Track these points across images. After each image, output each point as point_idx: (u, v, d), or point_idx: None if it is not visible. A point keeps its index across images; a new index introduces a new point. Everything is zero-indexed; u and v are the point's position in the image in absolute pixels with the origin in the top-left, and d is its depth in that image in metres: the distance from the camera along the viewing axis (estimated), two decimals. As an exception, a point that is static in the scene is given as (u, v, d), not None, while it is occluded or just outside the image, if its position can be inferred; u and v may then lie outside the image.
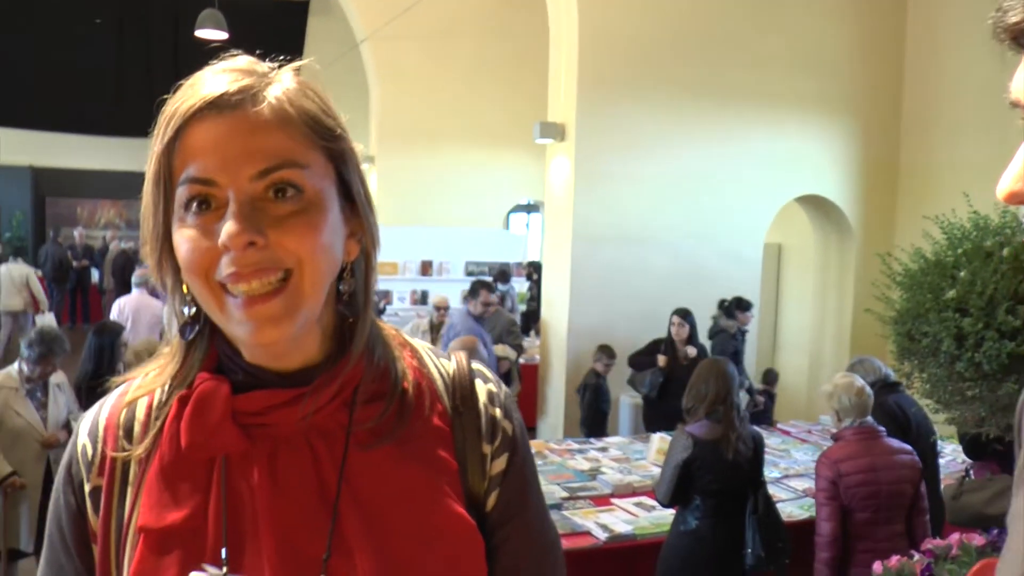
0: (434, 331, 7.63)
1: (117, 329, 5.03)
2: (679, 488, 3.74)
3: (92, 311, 14.09)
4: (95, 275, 14.82)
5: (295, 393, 0.87)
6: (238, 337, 0.84)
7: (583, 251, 7.16)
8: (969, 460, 4.27)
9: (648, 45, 7.30)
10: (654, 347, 6.38)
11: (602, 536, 3.97)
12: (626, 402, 7.26)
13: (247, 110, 0.80)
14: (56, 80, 14.38)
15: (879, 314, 3.44)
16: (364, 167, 0.93)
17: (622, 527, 4.08)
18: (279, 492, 0.86)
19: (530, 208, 15.04)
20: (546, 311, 7.62)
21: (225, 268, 0.80)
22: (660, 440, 5.16)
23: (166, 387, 0.91)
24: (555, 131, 7.19)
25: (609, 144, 7.20)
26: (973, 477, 4.05)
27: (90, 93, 14.98)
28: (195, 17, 8.72)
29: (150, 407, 0.92)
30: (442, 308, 7.45)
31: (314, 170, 0.83)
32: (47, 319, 10.67)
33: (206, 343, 0.90)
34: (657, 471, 4.81)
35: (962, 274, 2.97)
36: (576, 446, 5.61)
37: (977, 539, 3.02)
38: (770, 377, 7.68)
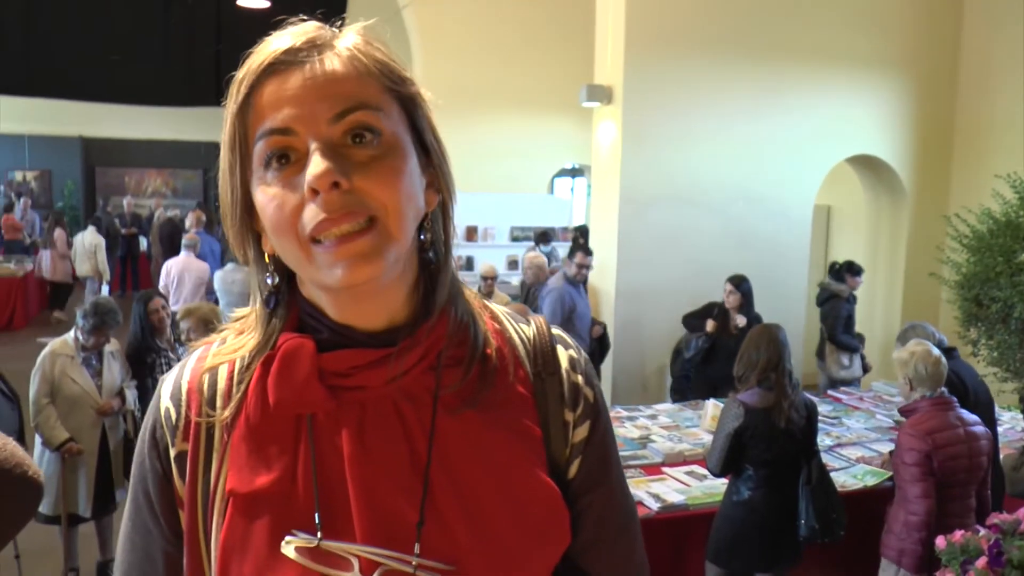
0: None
1: (148, 296, 5.06)
2: (731, 458, 3.69)
3: (141, 279, 14.31)
4: (143, 243, 15.03)
5: (382, 353, 0.85)
6: (329, 284, 0.82)
7: (631, 214, 7.08)
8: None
9: (697, 3, 7.14)
10: (708, 310, 6.26)
11: (654, 506, 3.94)
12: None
13: (317, 60, 0.80)
14: (103, 51, 14.52)
15: (943, 279, 3.33)
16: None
17: (674, 497, 4.04)
18: (368, 456, 0.85)
19: (575, 172, 14.90)
20: (593, 275, 7.55)
21: (312, 218, 0.78)
22: (714, 407, 5.09)
23: (248, 353, 0.90)
24: (602, 94, 7.08)
25: (657, 106, 7.08)
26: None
27: (135, 63, 15.12)
28: (237, -15, 8.70)
29: (232, 372, 0.90)
30: (490, 278, 7.20)
31: (389, 114, 0.82)
32: (102, 291, 11.10)
33: (286, 308, 0.90)
34: (708, 439, 4.76)
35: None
36: (625, 413, 5.56)
37: (1046, 513, 2.93)
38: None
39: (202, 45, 14.50)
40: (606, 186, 7.30)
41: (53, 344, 4.51)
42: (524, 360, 0.95)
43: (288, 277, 0.89)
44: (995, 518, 2.92)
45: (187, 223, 10.94)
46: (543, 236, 9.83)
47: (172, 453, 0.90)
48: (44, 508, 4.34)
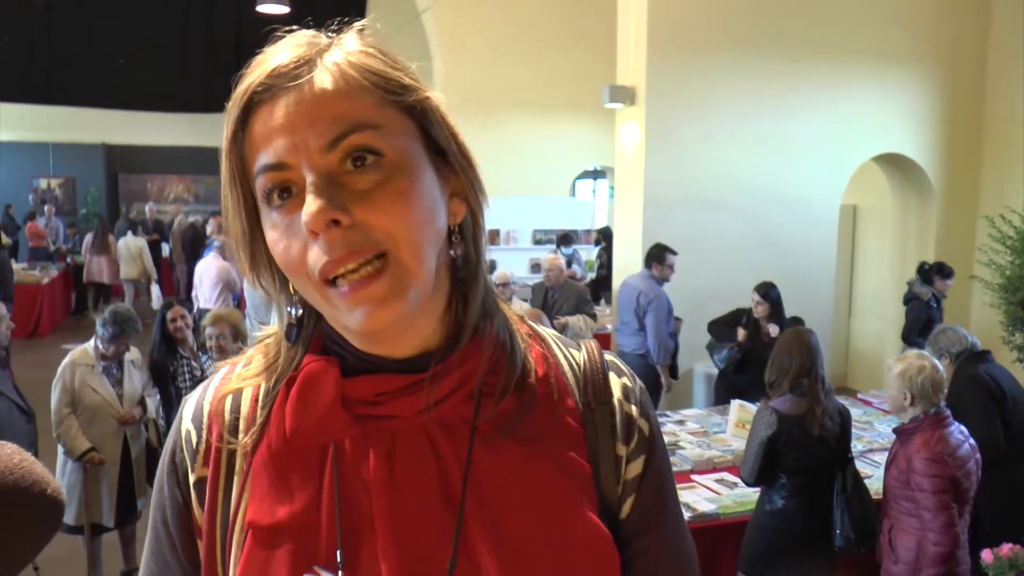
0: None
1: (169, 304, 5.01)
2: (764, 466, 3.60)
3: (164, 285, 14.37)
4: (165, 249, 15.09)
5: (413, 379, 0.79)
6: (350, 328, 0.75)
7: (654, 216, 7.00)
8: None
9: (720, 1, 7.06)
10: (736, 317, 6.10)
11: (685, 516, 3.85)
12: (699, 372, 7.11)
13: (305, 82, 0.73)
14: (124, 59, 14.63)
15: (986, 282, 3.21)
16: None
17: (705, 506, 3.96)
18: (397, 490, 0.78)
19: (596, 174, 14.83)
20: (617, 278, 7.48)
21: (317, 260, 0.72)
22: (740, 409, 5.00)
23: (273, 376, 0.84)
24: (625, 95, 7.01)
25: (681, 107, 7.00)
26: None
27: (157, 71, 15.21)
28: (256, -8, 8.68)
29: (256, 396, 0.85)
30: (502, 285, 6.83)
31: (390, 129, 0.75)
32: (154, 292, 11.82)
33: (311, 331, 0.84)
34: (737, 445, 4.68)
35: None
36: (652, 419, 5.47)
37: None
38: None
39: (222, 51, 14.56)
40: (630, 188, 7.23)
41: (73, 354, 4.49)
42: (573, 388, 0.88)
43: (311, 306, 0.83)
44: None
45: (209, 229, 11.06)
46: (565, 238, 9.78)
47: (192, 479, 0.85)
48: (67, 518, 4.32)
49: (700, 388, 7.09)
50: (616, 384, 0.90)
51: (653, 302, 6.29)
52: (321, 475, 0.80)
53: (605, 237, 10.36)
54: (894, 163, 8.13)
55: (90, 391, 4.41)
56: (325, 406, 0.78)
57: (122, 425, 4.49)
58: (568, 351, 0.91)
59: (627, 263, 7.18)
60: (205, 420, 0.86)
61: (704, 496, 4.10)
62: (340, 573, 0.77)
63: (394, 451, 0.79)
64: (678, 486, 4.19)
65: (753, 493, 3.89)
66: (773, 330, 5.73)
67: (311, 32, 0.78)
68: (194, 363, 4.92)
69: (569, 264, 9.44)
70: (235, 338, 4.44)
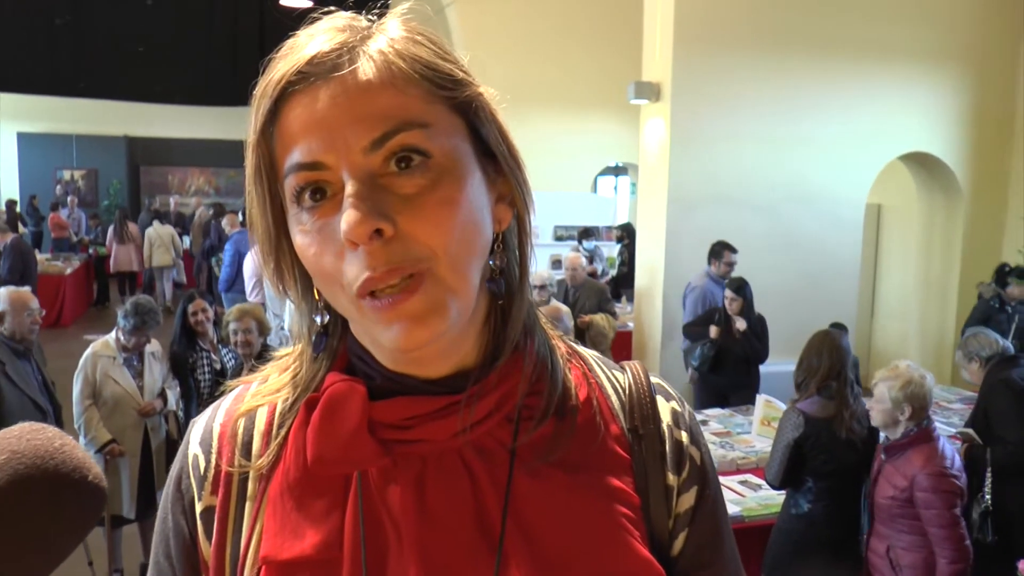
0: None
1: (190, 297, 5.03)
2: (790, 468, 3.55)
3: (189, 282, 14.44)
4: (186, 241, 15.16)
5: (447, 401, 0.72)
6: (383, 344, 0.69)
7: (678, 214, 6.94)
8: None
9: (747, -3, 6.99)
10: (708, 316, 6.03)
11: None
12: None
13: (347, 71, 0.66)
14: (148, 52, 14.71)
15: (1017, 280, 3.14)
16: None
17: (729, 508, 3.90)
18: (429, 521, 0.71)
19: (617, 170, 14.76)
20: (640, 277, 7.43)
21: (356, 276, 0.65)
22: (766, 405, 4.93)
23: (291, 394, 0.77)
24: (650, 91, 6.95)
25: (706, 103, 6.93)
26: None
27: (179, 64, 15.30)
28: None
29: (272, 415, 0.78)
30: (540, 286, 6.36)
31: (439, 128, 0.68)
32: (166, 286, 12.49)
33: (335, 343, 0.77)
34: (760, 446, 4.63)
35: None
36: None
37: None
38: None
39: (245, 44, 14.62)
40: (654, 185, 7.17)
41: (94, 345, 4.50)
42: (618, 412, 0.81)
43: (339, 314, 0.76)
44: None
45: (224, 223, 11.14)
46: (586, 234, 9.72)
47: (198, 508, 0.77)
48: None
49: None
50: (665, 409, 0.83)
51: (692, 292, 6.31)
52: (344, 504, 0.73)
53: (627, 233, 10.29)
54: (920, 162, 8.02)
55: (111, 383, 4.41)
56: (349, 432, 0.71)
57: (143, 417, 4.50)
58: (611, 372, 0.85)
59: (650, 260, 7.12)
60: (215, 444, 0.79)
61: (728, 499, 4.04)
62: None
63: (425, 476, 0.73)
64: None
65: (778, 496, 3.84)
66: (741, 324, 5.72)
67: (349, 14, 0.71)
68: (214, 356, 4.93)
69: (591, 260, 9.39)
70: (260, 332, 4.42)
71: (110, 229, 13.25)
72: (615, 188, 15.72)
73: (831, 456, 3.51)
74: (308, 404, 0.74)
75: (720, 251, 6.35)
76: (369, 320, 0.67)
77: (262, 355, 4.28)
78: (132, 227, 13.14)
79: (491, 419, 0.74)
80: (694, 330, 6.14)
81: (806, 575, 3.55)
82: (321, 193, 0.67)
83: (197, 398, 4.79)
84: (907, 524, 3.29)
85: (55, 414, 4.25)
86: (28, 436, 0.71)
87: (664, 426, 0.82)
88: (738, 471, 4.41)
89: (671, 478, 0.80)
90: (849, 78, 7.33)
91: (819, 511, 3.53)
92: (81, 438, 4.35)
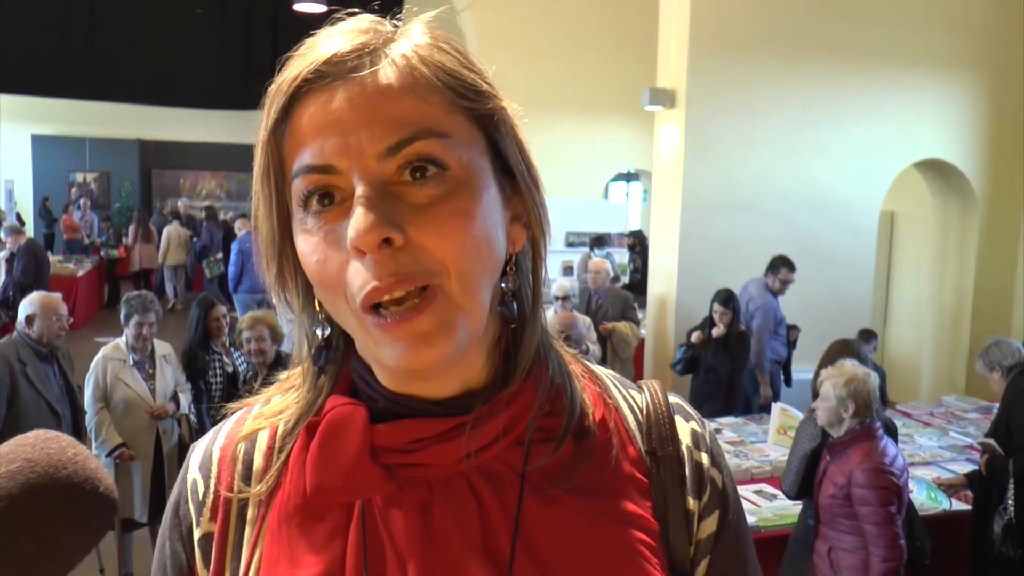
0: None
1: (209, 302, 5.04)
2: (807, 478, 3.52)
3: (195, 280, 14.49)
4: (196, 244, 15.22)
5: (453, 423, 0.69)
6: (386, 363, 0.66)
7: (692, 221, 6.92)
8: None
9: (763, 4, 6.96)
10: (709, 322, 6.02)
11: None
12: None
13: (366, 73, 0.64)
14: (160, 55, 14.78)
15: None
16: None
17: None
18: (434, 549, 0.68)
19: (629, 177, 14.74)
20: (653, 284, 7.39)
21: (362, 286, 0.63)
22: (782, 413, 4.90)
23: (292, 416, 0.75)
24: (665, 97, 6.92)
25: (721, 110, 6.91)
26: None
27: (192, 67, 15.35)
28: (294, -11, 8.71)
29: (273, 438, 0.75)
30: (563, 297, 6.16)
31: (458, 139, 0.66)
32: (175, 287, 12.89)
33: (338, 363, 0.74)
34: (775, 455, 4.59)
35: None
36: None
37: None
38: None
39: (258, 48, 14.66)
40: (668, 192, 7.14)
41: (105, 348, 4.51)
42: (635, 434, 0.78)
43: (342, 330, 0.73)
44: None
45: (236, 227, 11.27)
46: (598, 241, 9.70)
47: (196, 534, 0.75)
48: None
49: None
50: (684, 430, 0.80)
51: (760, 309, 6.27)
52: (346, 531, 0.70)
53: (639, 240, 10.26)
54: (935, 169, 7.97)
55: (122, 385, 4.42)
56: (351, 460, 0.68)
57: (155, 420, 4.49)
58: (628, 392, 0.82)
59: (664, 267, 7.10)
60: (214, 468, 0.76)
61: (744, 509, 4.01)
62: None
63: (430, 502, 0.70)
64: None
65: (793, 505, 3.81)
66: (717, 330, 5.77)
67: (373, 17, 0.69)
68: (226, 359, 4.93)
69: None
70: (274, 339, 4.40)
71: (131, 228, 13.75)
72: (627, 194, 15.69)
73: (848, 466, 3.47)
74: (308, 428, 0.72)
75: (778, 266, 6.32)
76: (372, 337, 0.65)
77: (277, 363, 4.30)
78: (152, 228, 13.82)
79: (499, 442, 0.70)
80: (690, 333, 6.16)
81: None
82: (329, 198, 0.65)
83: (208, 401, 4.79)
84: (848, 524, 3.27)
85: (75, 419, 4.26)
86: (42, 444, 0.71)
87: (683, 448, 0.78)
88: (752, 480, 4.39)
89: (691, 503, 0.77)
90: (864, 85, 7.29)
91: (836, 522, 3.49)
92: (92, 442, 4.36)
